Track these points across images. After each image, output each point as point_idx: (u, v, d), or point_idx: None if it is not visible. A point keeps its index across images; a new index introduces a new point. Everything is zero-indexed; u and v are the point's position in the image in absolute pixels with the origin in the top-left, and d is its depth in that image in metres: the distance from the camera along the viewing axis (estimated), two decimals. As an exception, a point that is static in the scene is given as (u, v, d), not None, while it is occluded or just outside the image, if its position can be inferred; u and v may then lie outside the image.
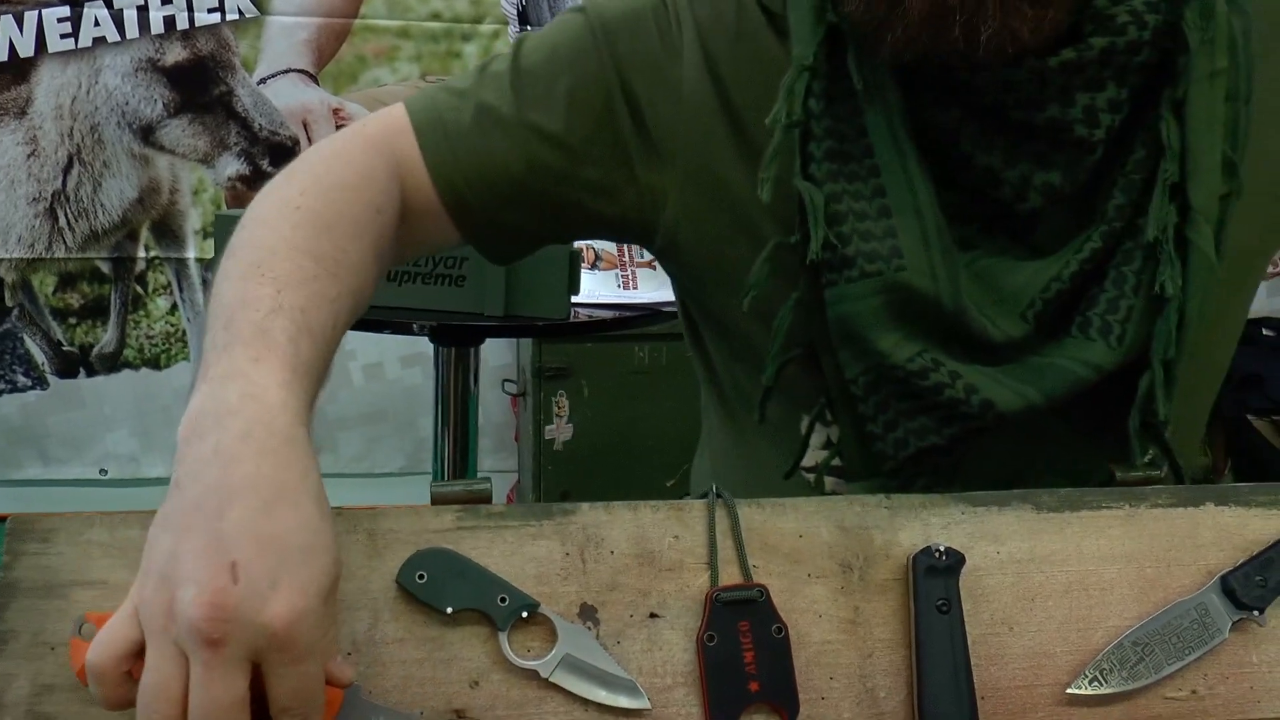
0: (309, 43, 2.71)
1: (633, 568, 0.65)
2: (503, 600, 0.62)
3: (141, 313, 2.79)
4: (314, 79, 2.70)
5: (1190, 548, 0.71)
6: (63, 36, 2.63)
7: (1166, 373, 0.75)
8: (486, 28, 2.75)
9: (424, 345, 1.77)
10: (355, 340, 2.83)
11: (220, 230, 1.49)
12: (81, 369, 2.78)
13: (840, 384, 0.77)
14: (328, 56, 2.73)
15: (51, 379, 2.77)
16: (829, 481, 0.84)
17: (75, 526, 0.62)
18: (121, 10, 2.62)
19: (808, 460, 0.84)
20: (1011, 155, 0.73)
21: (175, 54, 2.67)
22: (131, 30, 2.64)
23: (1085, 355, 0.75)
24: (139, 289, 2.78)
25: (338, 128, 2.63)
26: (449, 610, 0.62)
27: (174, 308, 2.79)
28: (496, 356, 2.82)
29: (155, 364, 2.81)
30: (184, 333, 2.80)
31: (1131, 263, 0.75)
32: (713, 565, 0.65)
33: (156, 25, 2.64)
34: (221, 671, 0.50)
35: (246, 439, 0.55)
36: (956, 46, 0.68)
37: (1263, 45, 0.77)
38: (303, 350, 0.61)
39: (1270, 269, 0.85)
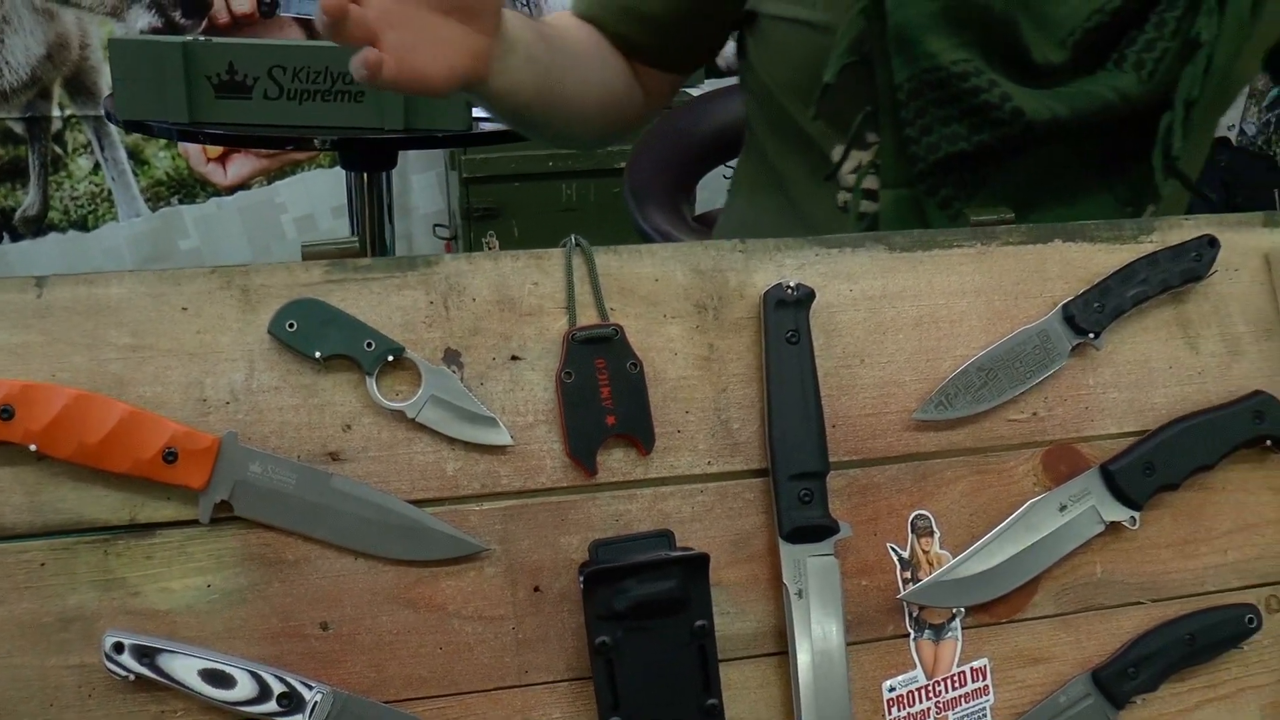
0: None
1: (494, 313, 0.67)
2: (369, 345, 0.65)
3: (63, 174, 2.73)
4: (220, -79, 2.60)
5: (1038, 281, 0.74)
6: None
7: (1186, 114, 0.83)
8: None
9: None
10: (286, 193, 2.79)
11: (116, 54, 1.44)
12: (5, 234, 2.74)
13: (889, 92, 0.85)
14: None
15: (-24, 244, 2.74)
16: (864, 204, 0.90)
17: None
18: None
19: (846, 181, 0.91)
20: None
21: (71, -103, 2.56)
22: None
23: (1116, 83, 0.82)
24: (57, 149, 2.72)
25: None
26: (318, 355, 0.64)
27: (97, 167, 2.74)
28: (427, 203, 2.80)
29: (82, 225, 2.77)
30: (109, 192, 2.76)
31: (1174, 9, 0.81)
32: (570, 308, 0.68)
33: None
34: None
35: None
36: None
37: None
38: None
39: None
